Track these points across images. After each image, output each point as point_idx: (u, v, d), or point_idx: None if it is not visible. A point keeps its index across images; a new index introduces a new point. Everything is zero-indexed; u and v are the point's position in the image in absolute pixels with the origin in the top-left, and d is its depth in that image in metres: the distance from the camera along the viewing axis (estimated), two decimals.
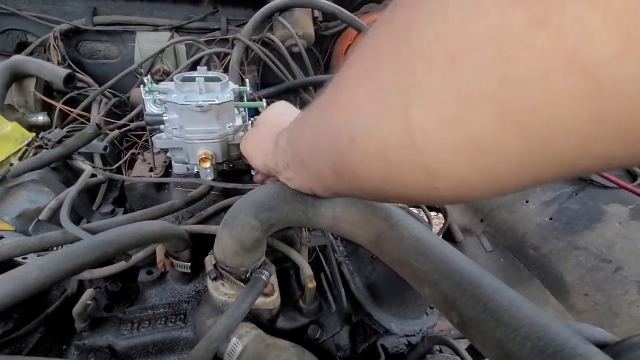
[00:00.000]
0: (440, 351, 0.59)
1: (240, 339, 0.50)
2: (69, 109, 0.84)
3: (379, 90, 0.21)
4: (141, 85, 0.70)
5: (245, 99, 0.77)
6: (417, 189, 0.22)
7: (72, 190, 0.58)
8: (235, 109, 0.69)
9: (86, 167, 0.69)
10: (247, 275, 0.53)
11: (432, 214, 1.33)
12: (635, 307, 0.85)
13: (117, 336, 0.52)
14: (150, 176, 0.77)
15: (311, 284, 0.55)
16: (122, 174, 0.80)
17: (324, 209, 0.50)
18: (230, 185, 0.69)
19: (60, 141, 0.70)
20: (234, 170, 0.79)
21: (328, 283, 0.63)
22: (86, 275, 0.57)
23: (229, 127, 0.67)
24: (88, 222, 0.66)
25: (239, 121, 0.70)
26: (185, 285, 0.61)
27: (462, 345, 0.60)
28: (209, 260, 0.55)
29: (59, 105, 0.82)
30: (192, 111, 0.63)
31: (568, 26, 0.12)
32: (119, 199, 0.80)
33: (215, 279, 0.52)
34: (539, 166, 0.16)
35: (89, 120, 0.90)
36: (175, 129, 0.64)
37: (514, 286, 1.08)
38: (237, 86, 0.74)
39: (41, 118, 0.79)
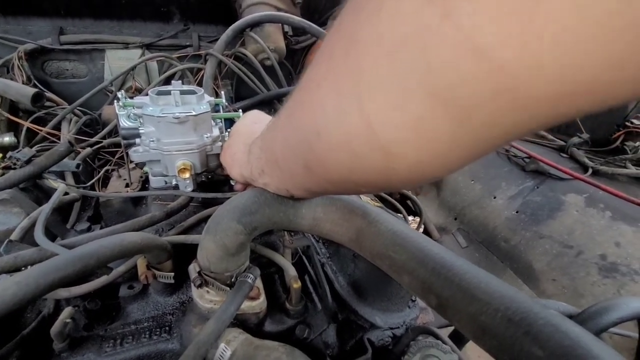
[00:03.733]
0: None
1: (228, 344, 0.50)
2: (38, 127, 0.82)
3: (337, 88, 0.23)
4: (115, 101, 0.70)
5: (221, 110, 0.79)
6: (379, 173, 0.25)
7: (46, 207, 0.57)
8: (212, 121, 0.71)
9: (59, 185, 0.68)
10: (233, 280, 0.53)
11: (410, 218, 1.39)
12: (597, 287, 0.92)
13: (100, 354, 0.51)
14: (127, 192, 0.76)
15: (296, 284, 0.56)
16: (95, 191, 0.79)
17: (304, 210, 0.52)
18: (210, 195, 0.70)
19: (29, 160, 0.68)
20: (213, 181, 0.80)
21: (312, 283, 0.65)
22: (63, 293, 0.55)
23: (207, 137, 0.68)
24: (62, 238, 0.64)
25: (216, 132, 0.72)
26: (168, 297, 0.60)
27: (445, 333, 0.63)
28: (192, 268, 0.55)
29: (27, 124, 0.80)
30: (169, 123, 0.64)
31: (464, 20, 0.15)
32: (94, 217, 0.78)
33: (200, 285, 0.52)
34: (468, 137, 0.19)
35: (58, 139, 0.87)
36: (153, 141, 0.65)
37: None
38: (212, 98, 0.75)
39: (7, 139, 0.76)
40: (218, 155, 0.72)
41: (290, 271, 0.58)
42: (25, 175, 0.66)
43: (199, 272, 0.53)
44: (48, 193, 0.74)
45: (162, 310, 0.59)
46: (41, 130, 0.84)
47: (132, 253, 0.50)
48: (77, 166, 0.77)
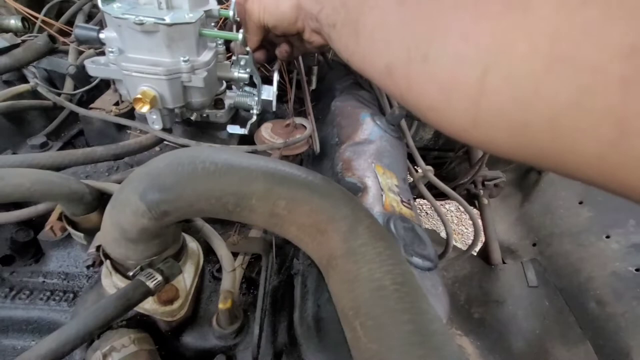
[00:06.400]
0: None
1: (105, 357, 0.36)
2: (50, 21, 0.73)
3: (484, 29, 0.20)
4: None
5: (227, 28, 0.58)
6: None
7: None
8: (200, 38, 0.50)
9: (31, 82, 0.58)
10: (135, 272, 0.38)
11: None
12: None
13: None
14: (111, 111, 0.64)
15: (224, 305, 0.39)
16: (89, 103, 0.68)
17: (256, 201, 0.33)
18: (179, 141, 0.53)
19: (6, 50, 0.58)
20: (205, 122, 0.63)
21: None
22: None
23: (185, 61, 0.49)
24: (13, 153, 0.56)
25: (205, 57, 0.52)
26: None
27: None
28: (98, 239, 0.40)
29: (40, 17, 0.71)
30: (132, 30, 0.46)
31: None
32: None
33: (91, 266, 0.38)
34: None
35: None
36: (112, 52, 0.48)
37: (554, 342, 0.82)
38: (217, 7, 0.54)
39: (13, 22, 0.69)
40: (201, 89, 0.53)
41: (226, 282, 0.40)
42: (1, 66, 0.57)
43: (98, 248, 0.38)
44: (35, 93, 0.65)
45: (80, 269, 0.47)
46: (55, 24, 0.74)
47: (15, 199, 0.37)
48: (71, 69, 0.67)
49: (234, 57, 0.58)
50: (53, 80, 0.69)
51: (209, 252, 0.49)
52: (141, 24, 0.44)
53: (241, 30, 0.51)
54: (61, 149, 0.60)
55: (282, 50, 0.59)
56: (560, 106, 0.18)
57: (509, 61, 0.20)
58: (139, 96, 0.47)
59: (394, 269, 0.30)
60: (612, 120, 0.16)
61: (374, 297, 0.28)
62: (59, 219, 0.44)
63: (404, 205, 0.55)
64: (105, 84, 0.71)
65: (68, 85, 0.69)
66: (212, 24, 0.56)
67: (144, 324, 0.41)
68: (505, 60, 0.20)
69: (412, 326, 0.26)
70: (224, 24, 0.67)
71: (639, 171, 0.16)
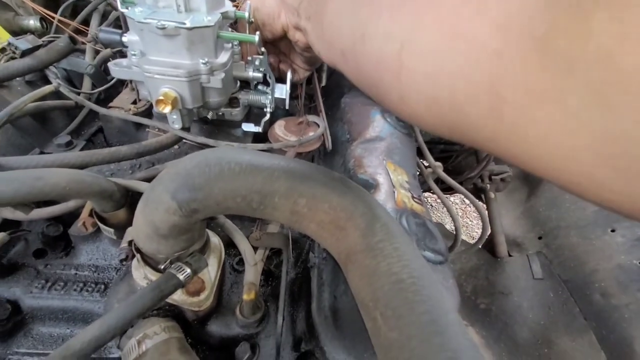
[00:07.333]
0: None
1: (139, 343, 0.39)
2: (67, 20, 0.75)
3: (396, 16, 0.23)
4: None
5: (240, 28, 0.59)
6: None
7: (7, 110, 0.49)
8: (217, 40, 0.52)
9: (54, 83, 0.60)
10: (166, 265, 0.40)
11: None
12: None
13: (25, 292, 0.45)
14: (130, 109, 0.66)
15: (248, 296, 0.41)
16: (106, 101, 0.70)
17: (278, 199, 0.35)
18: (198, 140, 0.55)
19: (29, 51, 0.60)
20: (221, 121, 0.65)
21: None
22: (18, 215, 0.49)
23: (204, 63, 0.50)
24: (41, 152, 0.58)
25: (222, 58, 0.53)
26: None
27: None
28: (129, 234, 0.43)
29: (57, 16, 0.72)
30: (153, 34, 0.47)
31: None
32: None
33: (124, 260, 0.41)
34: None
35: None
36: (135, 54, 0.50)
37: (558, 333, 0.84)
38: (233, 8, 0.55)
39: (32, 22, 0.71)
40: (219, 90, 0.54)
41: (249, 274, 0.43)
42: (24, 68, 0.59)
43: (130, 242, 0.41)
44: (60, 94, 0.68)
45: (109, 262, 0.50)
46: (70, 24, 0.76)
47: (52, 197, 0.39)
48: (89, 69, 0.68)
49: (248, 58, 0.60)
50: (72, 79, 0.71)
51: (228, 245, 0.51)
52: (163, 28, 0.46)
53: (257, 32, 0.53)
54: (84, 146, 0.62)
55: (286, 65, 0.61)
56: (457, 80, 0.19)
57: (419, 37, 0.21)
58: (160, 97, 0.49)
59: (410, 264, 0.32)
60: (488, 89, 0.17)
61: (392, 289, 0.30)
62: (90, 215, 0.46)
63: (415, 201, 0.57)
64: (121, 82, 0.73)
65: (87, 85, 0.71)
66: (227, 25, 0.58)
67: (172, 313, 0.43)
68: (417, 35, 0.21)
69: (429, 317, 0.28)
70: (234, 24, 0.69)
71: (512, 138, 0.17)
